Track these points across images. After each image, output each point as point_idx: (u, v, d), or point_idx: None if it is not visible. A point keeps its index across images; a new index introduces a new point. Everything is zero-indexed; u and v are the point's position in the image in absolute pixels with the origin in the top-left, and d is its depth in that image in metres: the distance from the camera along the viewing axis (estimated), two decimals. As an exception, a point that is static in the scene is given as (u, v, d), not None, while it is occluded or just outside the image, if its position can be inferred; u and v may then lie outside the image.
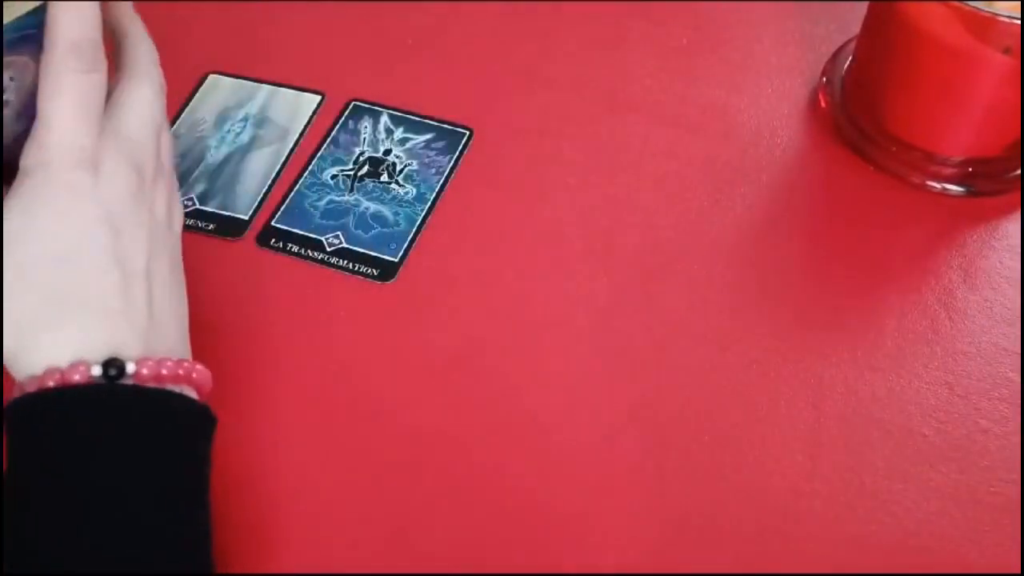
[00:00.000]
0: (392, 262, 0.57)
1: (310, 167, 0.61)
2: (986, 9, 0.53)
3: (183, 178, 0.61)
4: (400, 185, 0.61)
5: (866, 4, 0.62)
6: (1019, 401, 0.53)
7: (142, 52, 0.47)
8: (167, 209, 0.46)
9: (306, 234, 0.58)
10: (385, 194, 0.60)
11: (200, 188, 0.60)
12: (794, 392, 0.53)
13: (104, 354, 0.40)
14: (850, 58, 0.66)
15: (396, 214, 0.59)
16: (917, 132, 0.61)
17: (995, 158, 0.61)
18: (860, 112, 0.63)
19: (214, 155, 0.61)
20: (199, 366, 0.43)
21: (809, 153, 0.63)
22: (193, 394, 0.43)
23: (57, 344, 0.40)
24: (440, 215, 0.59)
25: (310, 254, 0.57)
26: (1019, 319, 0.56)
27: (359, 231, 0.58)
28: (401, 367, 0.54)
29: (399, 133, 0.63)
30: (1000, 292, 0.57)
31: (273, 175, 0.61)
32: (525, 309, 0.56)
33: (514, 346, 0.54)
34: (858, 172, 0.62)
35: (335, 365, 0.54)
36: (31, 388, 0.39)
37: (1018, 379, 0.53)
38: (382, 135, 0.63)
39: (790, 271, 0.58)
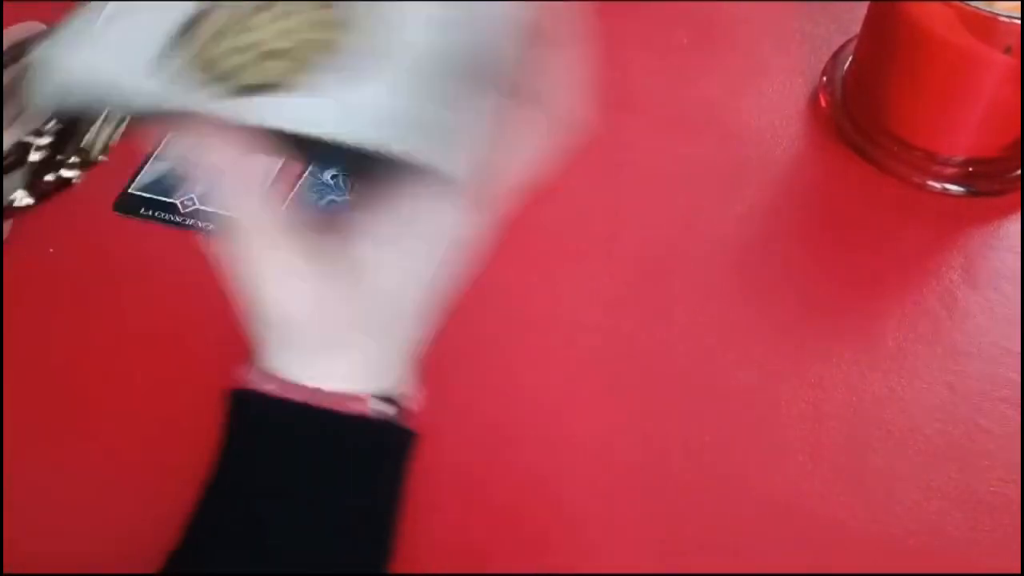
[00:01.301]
0: (392, 262, 0.57)
1: (310, 167, 0.61)
2: (986, 9, 0.53)
3: (183, 178, 0.61)
4: (400, 185, 0.60)
5: (866, 4, 0.62)
6: (1020, 401, 0.53)
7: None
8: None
9: (306, 234, 0.58)
10: (385, 194, 0.60)
11: (200, 188, 0.60)
12: (794, 392, 0.53)
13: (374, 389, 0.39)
14: (850, 58, 0.66)
15: (396, 214, 0.59)
16: (918, 132, 0.61)
17: (995, 158, 0.61)
18: (860, 112, 0.63)
19: (214, 155, 0.61)
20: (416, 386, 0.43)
21: (809, 153, 0.63)
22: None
23: (345, 363, 0.39)
24: (440, 215, 0.59)
25: (310, 254, 0.57)
26: (1020, 319, 0.56)
27: (359, 231, 0.58)
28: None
29: (399, 133, 0.63)
30: (1001, 292, 0.57)
31: (273, 175, 0.61)
32: (525, 309, 0.56)
33: (513, 346, 0.54)
34: (859, 172, 0.62)
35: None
36: (298, 396, 0.38)
37: (1019, 379, 0.53)
38: (382, 135, 0.63)
39: (790, 271, 0.58)
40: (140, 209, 0.60)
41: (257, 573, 0.37)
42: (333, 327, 0.38)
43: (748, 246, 0.59)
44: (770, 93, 0.66)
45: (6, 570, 0.46)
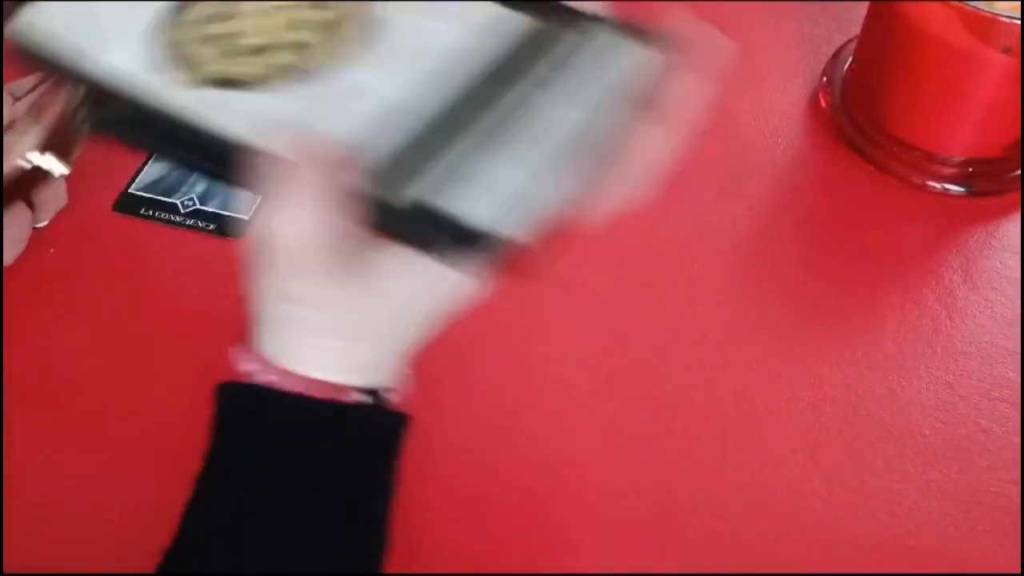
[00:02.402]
0: (392, 262, 0.57)
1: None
2: (986, 9, 0.53)
3: (183, 178, 0.61)
4: (400, 185, 0.60)
5: (866, 4, 0.62)
6: (1019, 401, 0.53)
7: None
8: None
9: (306, 234, 0.58)
10: (385, 194, 0.60)
11: (200, 188, 0.60)
12: (794, 392, 0.53)
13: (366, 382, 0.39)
14: (850, 58, 0.66)
15: (396, 214, 0.59)
16: (917, 132, 0.61)
17: (995, 158, 0.61)
18: (860, 112, 0.63)
19: (214, 155, 0.61)
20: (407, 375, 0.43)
21: (809, 153, 0.63)
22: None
23: (340, 358, 0.39)
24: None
25: (310, 254, 0.57)
26: (1019, 319, 0.56)
27: (359, 231, 0.58)
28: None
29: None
30: (1000, 292, 0.57)
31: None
32: (525, 309, 0.56)
33: (514, 346, 0.54)
34: (858, 172, 0.62)
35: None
36: (292, 387, 0.38)
37: (1018, 379, 0.53)
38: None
39: (790, 271, 0.58)
40: (140, 209, 0.60)
41: (253, 569, 0.37)
42: (334, 311, 0.38)
43: (747, 246, 0.59)
44: (770, 93, 0.66)
45: (6, 570, 0.46)
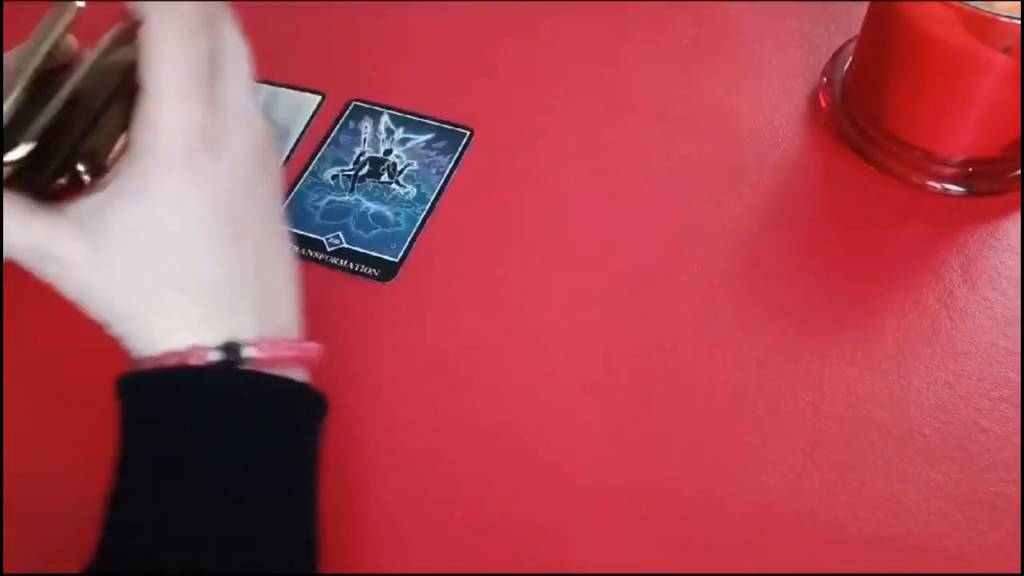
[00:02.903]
0: (392, 262, 0.57)
1: (310, 167, 0.61)
2: (986, 9, 0.53)
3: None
4: (401, 185, 0.61)
5: (866, 4, 0.62)
6: (1019, 401, 0.53)
7: (215, 7, 0.41)
8: (276, 178, 0.43)
9: (306, 234, 0.58)
10: (386, 194, 0.60)
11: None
12: (794, 392, 0.53)
13: (221, 338, 0.39)
14: (850, 58, 0.66)
15: (397, 214, 0.59)
16: (917, 132, 0.61)
17: (995, 158, 0.61)
18: (860, 112, 0.63)
19: (214, 155, 0.61)
20: (311, 344, 0.42)
21: (809, 153, 0.63)
22: (305, 375, 0.42)
23: (175, 328, 0.39)
24: (440, 215, 0.59)
25: (310, 254, 0.58)
26: (1019, 319, 0.56)
27: (360, 231, 0.58)
28: (401, 368, 0.54)
29: (399, 133, 0.63)
30: (1000, 292, 0.57)
31: (273, 175, 0.61)
32: (525, 309, 0.56)
33: (514, 346, 0.54)
34: (858, 172, 0.62)
35: (335, 366, 0.53)
36: (147, 367, 0.39)
37: (1018, 379, 0.53)
38: (383, 135, 0.63)
39: (790, 271, 0.58)
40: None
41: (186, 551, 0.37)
42: (118, 284, 0.40)
43: (747, 246, 0.59)
44: (770, 93, 0.66)
45: (6, 570, 0.46)
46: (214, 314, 0.39)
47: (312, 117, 0.64)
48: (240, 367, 0.39)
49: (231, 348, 0.39)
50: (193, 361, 0.38)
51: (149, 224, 0.39)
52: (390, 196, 0.60)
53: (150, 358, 0.39)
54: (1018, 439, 0.51)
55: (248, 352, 0.39)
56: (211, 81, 0.39)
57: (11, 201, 0.38)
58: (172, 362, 0.38)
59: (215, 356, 0.39)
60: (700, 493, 0.50)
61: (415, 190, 0.60)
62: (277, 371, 0.40)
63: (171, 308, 0.39)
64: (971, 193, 0.61)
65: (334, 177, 0.61)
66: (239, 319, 0.40)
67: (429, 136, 0.63)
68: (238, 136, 0.40)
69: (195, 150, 0.39)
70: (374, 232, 0.58)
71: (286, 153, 0.62)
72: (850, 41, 0.67)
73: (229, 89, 0.40)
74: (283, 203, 0.44)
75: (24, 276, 0.56)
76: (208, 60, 0.39)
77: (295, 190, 0.60)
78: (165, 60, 0.38)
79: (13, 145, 0.42)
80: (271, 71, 0.65)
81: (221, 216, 0.39)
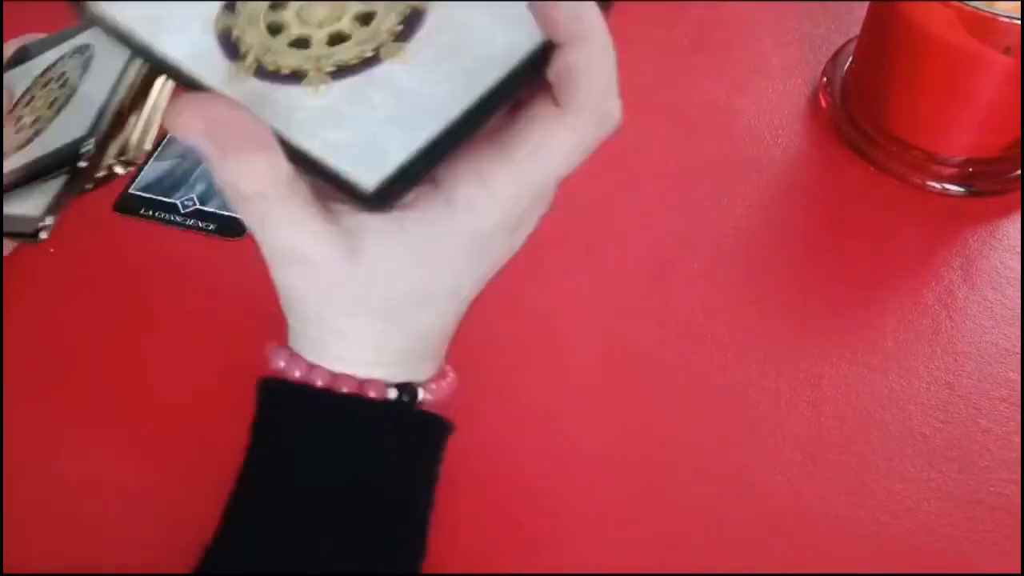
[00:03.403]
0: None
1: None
2: (986, 9, 0.53)
3: (183, 178, 0.61)
4: (400, 185, 0.60)
5: (866, 4, 0.62)
6: (1019, 401, 0.53)
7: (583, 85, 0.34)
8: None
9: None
10: (385, 194, 0.60)
11: (200, 188, 0.60)
12: (794, 392, 0.53)
13: (400, 378, 0.38)
14: (850, 58, 0.66)
15: (396, 214, 0.59)
16: (917, 132, 0.61)
17: (995, 158, 0.61)
18: (860, 112, 0.63)
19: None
20: (451, 375, 0.41)
21: (809, 153, 0.63)
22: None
23: (368, 362, 0.38)
24: (440, 215, 0.59)
25: (310, 254, 0.57)
26: (1019, 319, 0.56)
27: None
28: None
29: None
30: (1000, 292, 0.57)
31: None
32: (525, 309, 0.56)
33: (513, 345, 0.54)
34: (858, 172, 0.62)
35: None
36: (318, 382, 0.38)
37: (1018, 379, 0.53)
38: (382, 135, 0.63)
39: (790, 271, 0.58)
40: (140, 209, 0.60)
41: (292, 569, 0.37)
42: (346, 304, 0.37)
43: (747, 246, 0.59)
44: (770, 93, 0.66)
45: (6, 570, 0.46)
46: (406, 361, 0.39)
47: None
48: (412, 407, 0.39)
49: (408, 389, 0.39)
50: (372, 393, 0.38)
51: (410, 258, 0.36)
52: (390, 196, 0.60)
53: (322, 371, 0.38)
54: (1018, 439, 0.51)
55: (421, 396, 0.39)
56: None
57: (290, 203, 0.35)
58: (349, 387, 0.38)
59: (392, 394, 0.38)
60: (700, 492, 0.50)
61: (415, 190, 0.60)
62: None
63: (378, 340, 0.38)
64: (971, 193, 0.61)
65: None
66: (422, 369, 0.40)
67: (429, 136, 0.63)
68: (534, 220, 0.39)
69: (504, 229, 0.37)
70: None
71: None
72: (850, 41, 0.67)
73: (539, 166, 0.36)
74: None
75: (25, 277, 0.56)
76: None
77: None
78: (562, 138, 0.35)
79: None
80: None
81: (472, 286, 0.39)
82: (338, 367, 0.38)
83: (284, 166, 0.34)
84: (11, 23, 0.59)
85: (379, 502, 0.38)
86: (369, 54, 0.35)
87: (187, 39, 0.36)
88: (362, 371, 0.38)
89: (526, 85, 0.34)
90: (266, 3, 0.36)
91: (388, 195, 0.34)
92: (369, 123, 0.34)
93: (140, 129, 0.47)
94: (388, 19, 0.36)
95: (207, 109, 0.33)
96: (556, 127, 0.34)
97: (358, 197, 0.34)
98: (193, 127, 0.33)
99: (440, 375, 0.41)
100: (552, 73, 0.34)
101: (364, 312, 0.37)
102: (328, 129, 0.34)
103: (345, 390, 0.38)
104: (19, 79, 0.53)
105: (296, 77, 0.35)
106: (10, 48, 0.55)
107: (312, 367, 0.38)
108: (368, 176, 0.34)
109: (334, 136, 0.34)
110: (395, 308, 0.38)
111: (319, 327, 0.38)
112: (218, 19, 0.36)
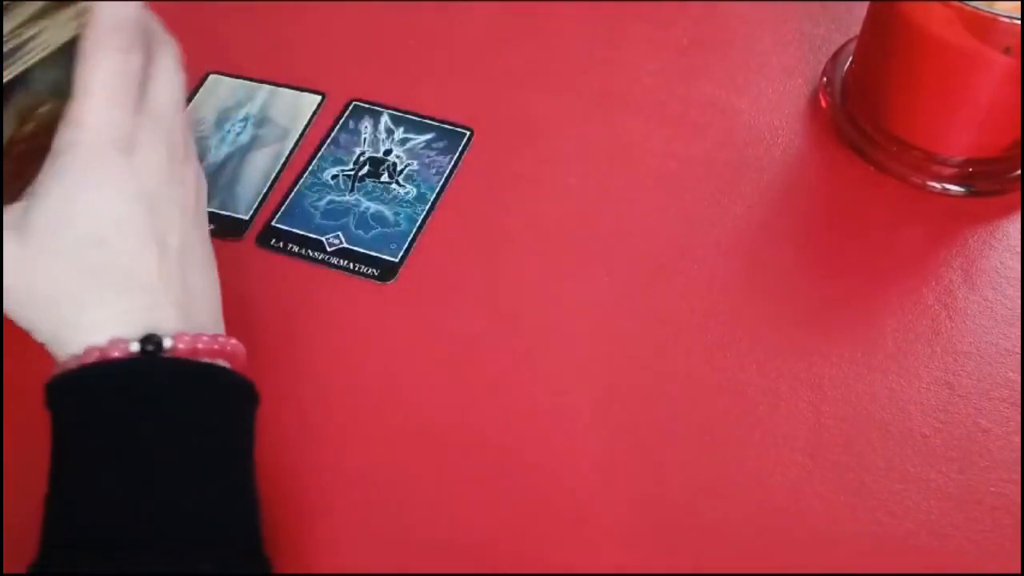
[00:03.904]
0: (392, 262, 0.57)
1: (310, 167, 0.61)
2: (986, 9, 0.53)
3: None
4: (400, 185, 0.61)
5: (866, 4, 0.62)
6: (1019, 401, 0.53)
7: (158, 34, 0.46)
8: (196, 185, 0.46)
9: (306, 234, 0.58)
10: (385, 194, 0.60)
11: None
12: (794, 392, 0.53)
13: (142, 331, 0.40)
14: (850, 58, 0.66)
15: (396, 214, 0.59)
16: (917, 132, 0.61)
17: (995, 158, 0.61)
18: (860, 112, 0.63)
19: (214, 155, 0.61)
20: (233, 340, 0.43)
21: (809, 153, 0.63)
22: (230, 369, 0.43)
23: (96, 324, 0.40)
24: (440, 215, 0.59)
25: (310, 254, 0.58)
26: (1019, 319, 0.56)
27: (360, 231, 0.58)
28: (401, 368, 0.53)
29: (399, 133, 0.63)
30: (1001, 292, 0.57)
31: (273, 175, 0.61)
32: (525, 309, 0.56)
33: (514, 345, 0.54)
34: (858, 172, 0.62)
35: (335, 365, 0.54)
36: (71, 366, 0.39)
37: (1018, 379, 0.53)
38: (382, 135, 0.63)
39: (790, 271, 0.58)
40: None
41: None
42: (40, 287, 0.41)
43: (747, 246, 0.59)
44: (770, 93, 0.66)
45: (6, 570, 0.46)
46: (135, 308, 0.41)
47: (312, 117, 0.64)
48: (161, 356, 0.40)
49: (151, 340, 0.40)
50: (116, 354, 0.39)
51: (69, 220, 0.40)
52: (390, 196, 0.60)
53: (73, 357, 0.40)
54: (1018, 439, 0.51)
55: (168, 344, 0.40)
56: (139, 94, 0.43)
57: None
58: (93, 357, 0.39)
59: (135, 348, 0.39)
60: (700, 493, 0.50)
61: (415, 190, 0.60)
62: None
63: (92, 304, 0.40)
64: (971, 193, 0.61)
65: (334, 177, 0.61)
66: (161, 313, 0.41)
67: (429, 136, 0.63)
68: (157, 141, 0.43)
69: (114, 149, 0.41)
70: (374, 232, 0.58)
71: (286, 153, 0.62)
72: (850, 41, 0.67)
73: (156, 103, 0.44)
74: (206, 212, 0.47)
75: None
76: (138, 74, 0.43)
77: (295, 190, 0.60)
78: (98, 69, 0.41)
79: None
80: (271, 71, 0.66)
81: (140, 213, 0.41)
82: (83, 344, 0.40)
83: None
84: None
85: (158, 450, 0.39)
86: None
87: None
88: (102, 336, 0.40)
89: None
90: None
91: None
92: None
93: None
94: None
95: None
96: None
97: None
98: None
99: (196, 334, 0.41)
100: None
101: (58, 283, 0.40)
102: None
103: (90, 360, 0.39)
104: None
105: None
106: None
107: (63, 361, 0.40)
108: None
109: None
110: (87, 265, 0.40)
111: (39, 318, 0.41)
112: None
